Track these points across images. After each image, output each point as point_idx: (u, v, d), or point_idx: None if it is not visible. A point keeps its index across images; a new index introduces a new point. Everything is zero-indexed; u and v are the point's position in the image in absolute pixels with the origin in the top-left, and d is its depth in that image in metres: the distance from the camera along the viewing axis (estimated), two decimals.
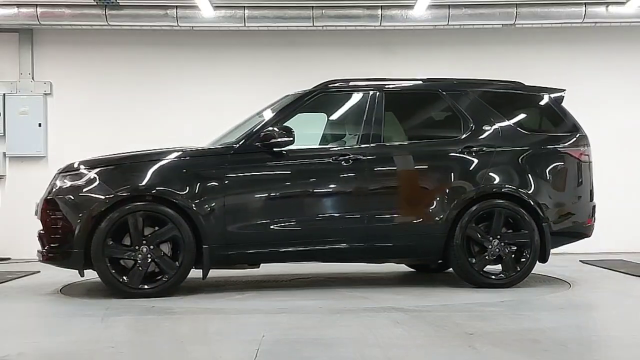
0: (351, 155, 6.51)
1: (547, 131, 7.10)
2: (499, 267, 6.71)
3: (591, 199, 7.04)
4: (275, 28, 9.98)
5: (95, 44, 10.38)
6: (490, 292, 6.33)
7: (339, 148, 6.73)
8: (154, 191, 6.17)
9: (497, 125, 6.86)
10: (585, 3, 9.69)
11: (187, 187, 6.20)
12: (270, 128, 6.41)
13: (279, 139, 6.32)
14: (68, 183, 6.26)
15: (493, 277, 6.64)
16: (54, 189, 6.31)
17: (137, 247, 6.08)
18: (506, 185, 6.71)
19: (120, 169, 6.31)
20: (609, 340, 4.56)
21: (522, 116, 7.13)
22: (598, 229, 9.73)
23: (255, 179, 6.44)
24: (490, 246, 6.58)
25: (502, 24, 9.94)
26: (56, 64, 10.37)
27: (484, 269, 6.64)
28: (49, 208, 6.23)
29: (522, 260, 6.63)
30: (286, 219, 6.36)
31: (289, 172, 6.47)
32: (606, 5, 9.69)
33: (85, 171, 6.28)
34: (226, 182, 6.28)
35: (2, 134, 10.21)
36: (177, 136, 9.12)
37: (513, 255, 6.62)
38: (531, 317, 5.25)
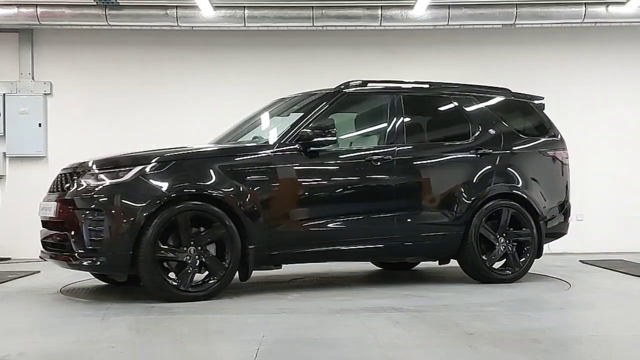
0: (380, 157, 6.56)
1: (537, 135, 7.47)
2: (498, 264, 6.99)
3: (568, 199, 7.47)
4: (275, 28, 9.98)
5: (95, 44, 10.38)
6: (490, 292, 6.34)
7: (372, 147, 6.72)
8: (206, 191, 5.93)
9: (498, 130, 7.14)
10: (585, 3, 9.70)
11: (235, 187, 6.02)
12: (309, 129, 6.31)
13: (321, 139, 6.27)
14: (104, 182, 5.85)
15: (509, 271, 6.92)
16: (77, 189, 5.89)
17: (185, 248, 5.86)
18: (513, 186, 7.01)
19: (166, 167, 5.92)
20: (609, 340, 4.55)
21: (516, 121, 7.43)
22: (598, 229, 9.75)
23: (301, 178, 6.32)
24: (498, 244, 6.85)
25: (502, 24, 9.94)
26: (56, 64, 10.37)
27: (492, 266, 6.90)
28: (85, 210, 5.78)
29: (523, 255, 6.97)
30: (328, 219, 6.32)
31: (331, 171, 6.43)
32: (606, 5, 9.69)
33: (121, 170, 5.88)
34: (273, 181, 6.18)
35: (2, 134, 10.21)
36: (177, 135, 9.10)
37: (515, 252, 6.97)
38: (531, 317, 5.24)
